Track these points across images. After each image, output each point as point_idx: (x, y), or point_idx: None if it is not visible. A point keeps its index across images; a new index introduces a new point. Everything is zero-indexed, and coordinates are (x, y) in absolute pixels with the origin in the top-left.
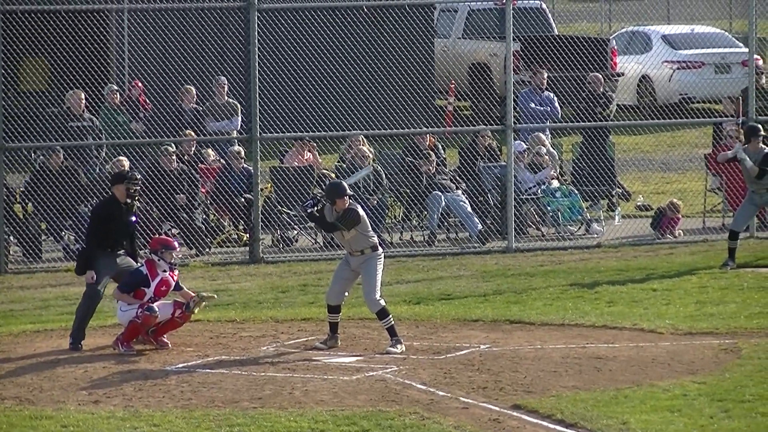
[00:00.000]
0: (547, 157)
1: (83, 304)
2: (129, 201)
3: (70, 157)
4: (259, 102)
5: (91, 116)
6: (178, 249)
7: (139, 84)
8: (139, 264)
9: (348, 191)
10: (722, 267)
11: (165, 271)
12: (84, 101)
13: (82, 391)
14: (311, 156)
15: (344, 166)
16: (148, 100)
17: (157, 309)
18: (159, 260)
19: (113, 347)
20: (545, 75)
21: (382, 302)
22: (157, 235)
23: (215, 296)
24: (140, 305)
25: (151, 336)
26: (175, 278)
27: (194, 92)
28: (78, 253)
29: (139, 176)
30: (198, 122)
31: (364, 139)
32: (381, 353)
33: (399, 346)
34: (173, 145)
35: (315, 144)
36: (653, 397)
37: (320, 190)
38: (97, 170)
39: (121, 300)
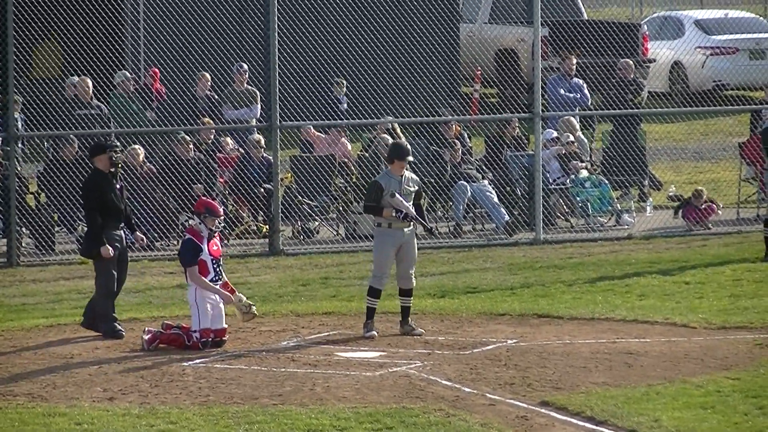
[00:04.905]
0: (576, 144)
1: (101, 291)
2: (113, 170)
3: (83, 147)
4: (279, 89)
5: (99, 104)
6: (222, 217)
7: (156, 71)
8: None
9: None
10: (766, 260)
11: (204, 236)
12: (91, 88)
13: (97, 388)
14: (344, 144)
15: (367, 155)
16: (163, 88)
17: (209, 342)
18: (200, 224)
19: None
20: (574, 61)
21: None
22: (201, 197)
23: (252, 305)
24: (203, 331)
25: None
26: (218, 246)
27: (209, 78)
28: (84, 235)
29: (117, 143)
30: (212, 109)
31: (397, 128)
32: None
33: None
34: (187, 133)
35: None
36: (686, 393)
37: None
38: None
39: (194, 282)
